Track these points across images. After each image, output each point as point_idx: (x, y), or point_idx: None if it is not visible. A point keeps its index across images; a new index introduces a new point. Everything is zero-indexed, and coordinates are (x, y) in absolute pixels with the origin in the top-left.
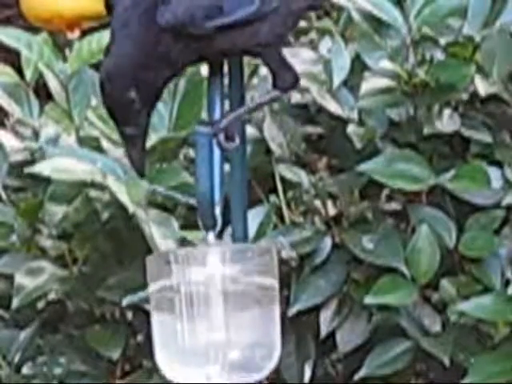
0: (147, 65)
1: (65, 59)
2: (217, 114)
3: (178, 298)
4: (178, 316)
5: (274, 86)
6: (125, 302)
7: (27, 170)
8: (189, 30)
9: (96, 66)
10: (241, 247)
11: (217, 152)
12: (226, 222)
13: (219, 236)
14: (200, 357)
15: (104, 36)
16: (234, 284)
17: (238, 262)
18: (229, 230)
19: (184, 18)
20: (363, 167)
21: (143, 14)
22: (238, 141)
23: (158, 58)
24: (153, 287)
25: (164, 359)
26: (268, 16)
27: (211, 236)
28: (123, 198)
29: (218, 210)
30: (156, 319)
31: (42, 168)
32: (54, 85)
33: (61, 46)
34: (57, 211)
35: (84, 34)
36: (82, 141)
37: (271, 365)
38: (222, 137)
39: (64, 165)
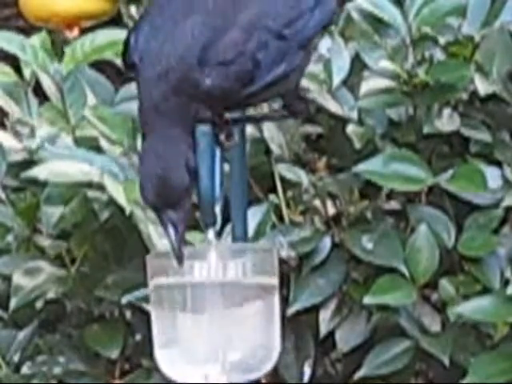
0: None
1: (61, 58)
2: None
3: (177, 296)
4: (177, 314)
5: (284, 108)
6: (124, 299)
7: (24, 174)
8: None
9: (93, 65)
10: (241, 246)
11: (217, 150)
12: (226, 221)
13: (219, 235)
14: (200, 356)
15: (98, 36)
16: (233, 283)
17: (238, 261)
18: (228, 230)
19: (221, 91)
20: (360, 168)
21: (178, 80)
22: (236, 138)
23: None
24: (153, 285)
25: (163, 357)
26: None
27: (211, 233)
28: (120, 197)
29: (218, 208)
30: (156, 317)
31: (39, 172)
32: (48, 86)
33: (60, 45)
34: (53, 213)
35: (83, 32)
36: (78, 141)
37: (270, 364)
38: (222, 136)
39: (60, 168)
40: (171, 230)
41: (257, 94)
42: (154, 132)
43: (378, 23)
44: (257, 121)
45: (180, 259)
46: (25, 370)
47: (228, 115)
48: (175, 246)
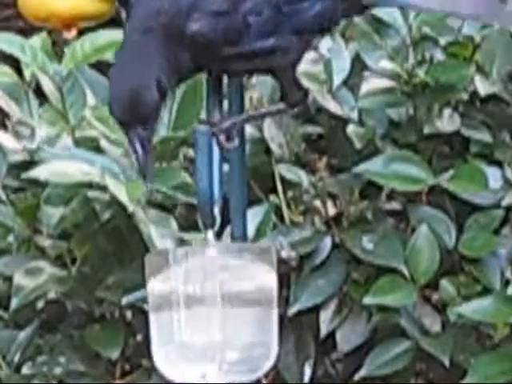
0: (170, 60)
1: (62, 59)
2: (216, 115)
3: (175, 296)
4: (175, 314)
5: (282, 99)
6: (124, 300)
7: (24, 175)
8: (208, 49)
9: (93, 65)
10: (240, 246)
11: (216, 151)
12: (226, 221)
13: (218, 236)
14: (197, 355)
15: (98, 36)
16: (232, 283)
17: (237, 261)
18: (228, 230)
19: (205, 41)
20: (361, 168)
21: (168, 22)
22: (237, 141)
23: (177, 59)
24: (151, 285)
25: (161, 357)
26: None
27: (210, 234)
28: (122, 197)
29: (216, 209)
30: (154, 317)
31: (39, 172)
32: (48, 87)
33: (60, 45)
34: (54, 213)
35: (81, 33)
36: (78, 142)
37: (268, 364)
38: (222, 137)
39: (61, 168)
40: (138, 147)
41: (238, 59)
42: (130, 49)
43: (378, 23)
44: (256, 119)
45: (147, 174)
46: (25, 370)
47: (226, 117)
48: (142, 162)
